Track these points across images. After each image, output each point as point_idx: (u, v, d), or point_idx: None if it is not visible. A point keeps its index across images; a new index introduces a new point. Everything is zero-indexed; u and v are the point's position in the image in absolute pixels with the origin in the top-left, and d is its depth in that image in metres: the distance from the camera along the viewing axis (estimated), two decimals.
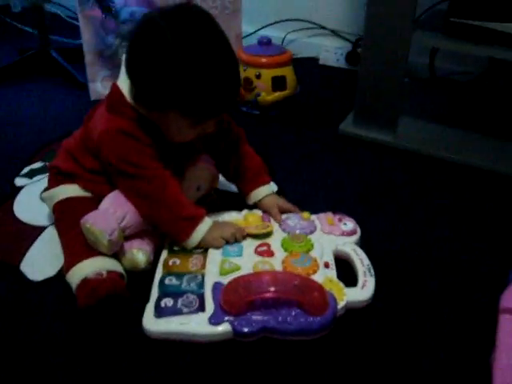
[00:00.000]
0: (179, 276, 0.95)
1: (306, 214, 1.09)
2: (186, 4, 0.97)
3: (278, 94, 1.63)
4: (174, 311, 0.88)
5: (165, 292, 0.92)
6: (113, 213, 0.97)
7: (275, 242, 1.03)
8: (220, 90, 0.93)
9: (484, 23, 1.36)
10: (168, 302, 0.89)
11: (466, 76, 1.90)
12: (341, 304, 0.90)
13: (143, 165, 0.98)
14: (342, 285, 0.93)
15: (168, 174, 1.00)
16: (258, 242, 1.03)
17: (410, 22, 1.38)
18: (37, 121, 1.66)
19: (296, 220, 1.08)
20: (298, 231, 1.05)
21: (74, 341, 0.90)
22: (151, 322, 0.87)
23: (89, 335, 0.91)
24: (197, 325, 0.86)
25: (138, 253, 0.98)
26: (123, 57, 1.00)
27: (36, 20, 1.98)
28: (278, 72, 1.62)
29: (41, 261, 1.07)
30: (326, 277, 0.94)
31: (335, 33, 2.16)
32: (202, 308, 0.88)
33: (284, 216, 1.10)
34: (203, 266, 0.97)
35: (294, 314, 0.86)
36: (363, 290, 0.94)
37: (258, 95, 1.62)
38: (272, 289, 0.86)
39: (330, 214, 1.10)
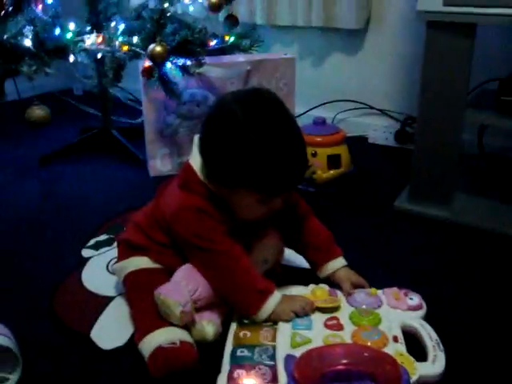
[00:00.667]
0: (250, 348, 0.96)
1: (373, 290, 1.10)
2: (257, 88, 1.04)
3: (333, 172, 1.68)
4: (247, 383, 0.88)
5: (237, 363, 0.92)
6: (185, 285, 1.00)
7: (343, 315, 1.04)
8: (287, 169, 0.97)
9: None
10: (241, 373, 0.90)
11: None
12: (413, 378, 0.88)
13: (216, 240, 1.01)
14: (412, 359, 0.92)
15: (239, 248, 1.03)
16: (326, 316, 1.04)
17: (463, 102, 1.43)
18: (100, 196, 1.74)
19: (362, 295, 1.09)
20: (364, 306, 1.06)
21: None
22: None
23: None
24: None
25: (208, 325, 1.00)
26: (195, 137, 1.07)
27: (99, 101, 2.12)
28: (333, 151, 1.68)
29: (110, 330, 1.10)
30: (396, 350, 0.93)
31: (383, 112, 2.23)
32: (275, 380, 0.89)
33: (352, 290, 1.11)
34: (274, 338, 0.98)
35: None
36: (434, 364, 0.92)
37: (314, 173, 1.68)
38: (345, 361, 0.86)
39: (395, 289, 1.10)
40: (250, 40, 1.99)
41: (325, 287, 1.12)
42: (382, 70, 2.19)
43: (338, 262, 1.15)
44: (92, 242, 1.44)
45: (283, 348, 0.95)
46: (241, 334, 1.00)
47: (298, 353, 0.92)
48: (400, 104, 2.18)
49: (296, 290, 1.11)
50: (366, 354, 0.88)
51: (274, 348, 0.96)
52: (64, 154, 2.05)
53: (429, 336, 0.98)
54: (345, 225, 1.53)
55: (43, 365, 1.01)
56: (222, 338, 1.01)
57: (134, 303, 1.08)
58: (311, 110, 2.30)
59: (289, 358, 0.92)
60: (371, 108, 2.25)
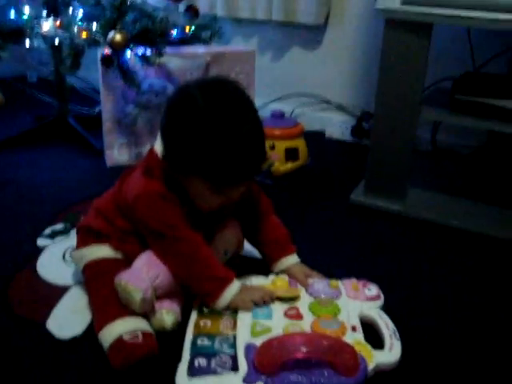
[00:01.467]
0: (211, 337, 0.97)
1: (333, 282, 1.12)
2: (221, 77, 1.04)
3: (290, 165, 1.71)
4: (208, 371, 0.89)
5: (197, 352, 0.94)
6: (146, 272, 1.00)
7: (303, 306, 1.06)
8: (242, 160, 0.95)
9: (485, 99, 1.45)
10: (202, 361, 0.91)
11: (465, 149, 1.99)
12: (371, 366, 0.91)
13: (177, 226, 1.02)
14: (370, 347, 0.95)
15: (200, 237, 1.04)
16: (286, 306, 1.06)
17: (419, 99, 1.47)
18: (55, 184, 1.71)
19: (322, 285, 1.11)
20: (323, 296, 1.09)
21: None
22: (185, 381, 0.88)
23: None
24: None
25: (168, 314, 1.00)
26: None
27: (55, 89, 2.07)
28: (291, 143, 1.71)
29: (67, 319, 1.08)
30: (354, 339, 0.96)
31: (340, 107, 2.26)
32: (235, 368, 0.90)
33: (310, 281, 1.13)
34: (234, 327, 0.99)
35: (326, 374, 0.88)
36: (391, 352, 0.95)
37: (272, 165, 1.69)
38: (305, 349, 0.88)
39: (354, 280, 1.13)
40: (211, 31, 1.99)
41: (285, 278, 1.14)
42: (340, 66, 2.22)
43: (292, 259, 1.18)
44: (48, 231, 1.42)
45: (243, 337, 0.97)
46: (201, 322, 1.01)
47: (258, 341, 0.94)
48: (357, 99, 2.22)
49: (256, 280, 1.13)
50: (325, 343, 0.90)
51: (235, 337, 0.97)
52: (18, 142, 2.01)
53: (386, 325, 1.02)
54: (301, 217, 1.55)
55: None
56: (182, 326, 1.02)
57: (94, 292, 1.07)
58: (270, 103, 2.32)
59: (249, 347, 0.94)
60: (329, 103, 2.28)
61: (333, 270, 1.27)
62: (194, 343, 0.96)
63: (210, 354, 0.93)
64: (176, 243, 1.02)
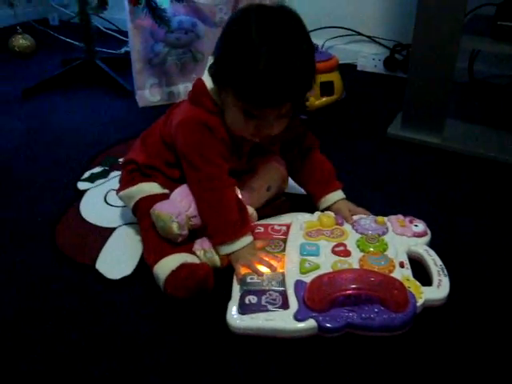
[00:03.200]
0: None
1: (379, 218, 1.11)
2: (281, 5, 1.00)
3: (325, 99, 1.68)
4: (259, 308, 0.90)
5: (247, 290, 0.95)
6: (179, 201, 1.02)
7: (351, 242, 1.06)
8: (273, 80, 0.90)
9: None
10: (252, 299, 0.92)
11: (504, 79, 1.93)
12: (420, 302, 0.91)
13: (211, 159, 1.01)
14: (418, 283, 0.95)
15: (231, 181, 1.04)
16: (334, 243, 1.06)
17: (459, 27, 1.41)
18: (89, 128, 1.71)
19: (368, 221, 1.11)
20: (370, 232, 1.08)
21: (158, 338, 0.93)
22: (236, 319, 0.90)
23: (172, 332, 0.94)
24: (282, 321, 0.88)
25: (207, 253, 1.02)
26: (209, 58, 1.04)
27: (81, 31, 2.04)
28: (325, 77, 1.67)
29: (115, 260, 1.10)
30: (402, 276, 0.96)
31: (372, 39, 2.20)
32: (285, 305, 0.91)
33: (356, 217, 1.13)
34: (283, 265, 1.00)
35: (376, 310, 0.88)
36: (439, 289, 0.95)
37: (306, 100, 1.66)
38: (355, 285, 0.89)
39: (400, 216, 1.12)
40: None
41: (331, 214, 1.13)
42: None
43: (337, 195, 1.17)
44: (87, 174, 1.43)
45: (292, 274, 0.98)
46: None
47: (307, 278, 0.95)
48: (389, 31, 2.15)
49: (303, 217, 1.13)
50: (374, 279, 0.91)
51: (283, 274, 0.98)
52: (48, 87, 1.99)
53: (433, 262, 1.01)
54: (338, 152, 1.53)
55: (51, 297, 1.02)
56: (229, 265, 1.03)
57: (147, 229, 1.07)
58: None
59: (298, 283, 0.94)
60: (360, 35, 2.21)
61: (371, 205, 1.27)
62: (243, 281, 0.97)
63: (259, 291, 0.94)
64: (204, 177, 1.02)
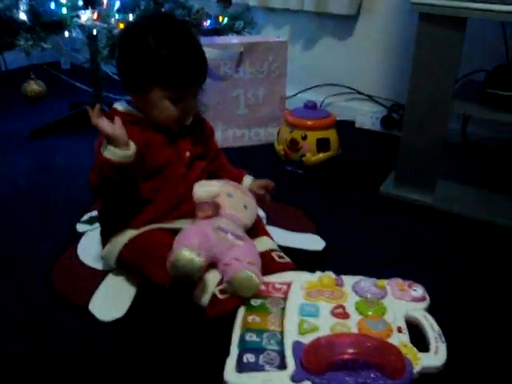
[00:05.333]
0: (259, 333, 0.99)
1: (380, 282, 1.11)
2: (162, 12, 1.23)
3: (322, 155, 1.73)
4: (257, 367, 0.91)
5: (245, 348, 0.95)
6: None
7: (350, 304, 1.06)
8: (184, 63, 1.13)
9: None
10: (250, 357, 0.93)
11: (496, 141, 1.99)
12: (416, 368, 0.91)
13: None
14: (415, 350, 0.94)
15: None
16: (333, 304, 1.06)
17: (451, 92, 1.48)
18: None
19: (368, 284, 1.11)
20: (369, 295, 1.08)
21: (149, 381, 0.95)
22: (233, 376, 0.90)
23: (161, 375, 0.96)
24: (279, 382, 0.88)
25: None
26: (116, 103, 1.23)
27: (90, 77, 2.12)
28: (322, 134, 1.73)
29: (108, 302, 1.13)
30: (400, 341, 0.96)
31: (371, 98, 2.28)
32: (283, 366, 0.91)
33: (357, 278, 1.14)
34: (281, 324, 1.01)
35: (373, 376, 0.88)
36: (436, 355, 0.95)
37: (303, 155, 1.72)
38: (353, 350, 0.89)
39: (400, 280, 1.13)
40: (244, 21, 2.02)
41: (331, 275, 1.14)
42: (371, 57, 2.23)
43: (248, 179, 1.36)
44: (86, 217, 1.47)
45: (291, 334, 0.98)
46: (249, 318, 1.03)
47: (305, 339, 0.95)
48: (387, 90, 2.23)
49: (304, 277, 1.14)
50: (372, 344, 0.91)
51: (282, 334, 0.98)
52: (55, 129, 2.06)
53: (431, 327, 1.01)
54: (331, 207, 1.58)
55: (44, 336, 1.05)
56: (230, 321, 1.04)
57: (148, 261, 1.12)
58: (300, 92, 2.34)
59: (297, 345, 0.94)
60: (359, 93, 2.29)
61: (362, 261, 1.31)
62: (242, 338, 0.98)
63: (258, 349, 0.95)
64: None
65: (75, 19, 1.72)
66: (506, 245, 1.41)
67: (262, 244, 1.22)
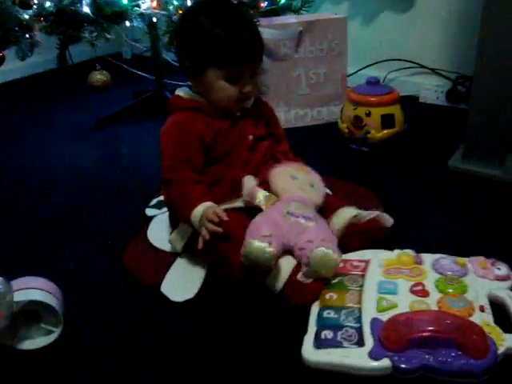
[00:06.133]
0: (337, 310, 0.99)
1: (460, 260, 1.09)
2: None
3: (387, 132, 1.70)
4: (335, 343, 0.91)
5: (323, 324, 0.96)
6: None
7: (429, 282, 1.04)
8: (238, 41, 1.13)
9: None
10: (328, 334, 0.93)
11: None
12: (501, 349, 0.88)
13: (178, 167, 1.18)
14: (499, 329, 0.91)
15: (199, 186, 1.16)
16: (412, 282, 1.04)
17: None
18: (156, 157, 1.79)
19: (449, 261, 1.09)
20: (449, 273, 1.05)
21: (222, 364, 0.97)
22: (311, 353, 0.91)
23: (238, 361, 0.98)
24: (357, 358, 0.88)
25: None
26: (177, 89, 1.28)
27: (152, 65, 2.16)
28: (386, 110, 1.69)
29: (179, 284, 1.16)
30: (482, 320, 0.92)
31: (434, 71, 2.21)
32: (361, 342, 0.91)
33: (437, 256, 1.11)
34: (359, 301, 1.00)
35: (453, 354, 0.86)
36: None
37: (368, 133, 1.69)
38: (433, 328, 0.87)
39: (482, 258, 1.09)
40: (301, 0, 2.00)
41: (410, 253, 1.12)
42: (433, 28, 2.15)
43: None
44: (154, 201, 1.50)
45: (369, 311, 0.97)
46: (327, 295, 1.03)
47: (384, 317, 0.94)
48: (451, 63, 2.15)
49: (382, 255, 1.13)
50: (453, 322, 0.89)
51: (360, 310, 0.98)
52: (120, 117, 2.11)
53: None
54: (399, 184, 1.55)
55: (117, 317, 1.09)
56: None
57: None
58: (362, 69, 2.29)
59: (375, 322, 0.94)
60: (422, 67, 2.22)
61: (433, 237, 1.28)
62: (320, 315, 0.99)
63: (336, 326, 0.95)
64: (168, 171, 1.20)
65: (135, 8, 1.74)
66: None
67: (343, 216, 1.18)
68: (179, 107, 1.22)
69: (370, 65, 2.29)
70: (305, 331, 0.96)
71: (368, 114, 1.68)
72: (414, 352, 0.87)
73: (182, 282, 1.17)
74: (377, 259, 1.12)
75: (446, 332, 0.87)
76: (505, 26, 1.39)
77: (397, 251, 1.14)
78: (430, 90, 2.19)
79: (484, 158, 1.54)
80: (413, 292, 1.02)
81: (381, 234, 1.18)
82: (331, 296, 1.03)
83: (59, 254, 1.30)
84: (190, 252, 1.23)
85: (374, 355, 0.88)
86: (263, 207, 1.12)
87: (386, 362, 0.87)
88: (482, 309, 0.95)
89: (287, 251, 1.08)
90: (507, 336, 0.90)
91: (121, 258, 1.27)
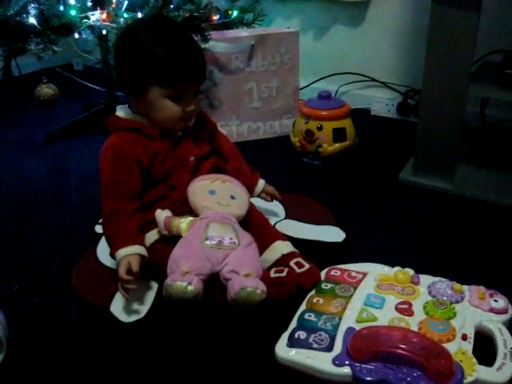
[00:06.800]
0: (318, 314, 1.02)
1: (457, 286, 1.07)
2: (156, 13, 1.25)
3: (338, 145, 1.71)
4: (305, 344, 0.94)
5: (302, 325, 0.99)
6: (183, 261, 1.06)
7: (419, 302, 1.04)
8: (180, 59, 1.12)
9: None
10: (302, 334, 0.96)
11: None
12: (469, 379, 0.87)
13: (112, 196, 1.17)
14: (474, 360, 0.90)
15: (130, 209, 1.15)
16: (400, 300, 1.05)
17: (467, 75, 1.45)
18: None
19: (444, 286, 1.08)
20: (443, 297, 1.05)
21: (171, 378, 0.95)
22: (282, 349, 0.95)
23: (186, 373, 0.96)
24: (321, 362, 0.91)
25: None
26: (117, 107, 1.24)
27: (103, 77, 2.12)
28: (338, 124, 1.71)
29: (129, 303, 1.13)
30: (460, 348, 0.92)
31: (385, 84, 2.24)
32: (330, 348, 0.93)
33: (436, 279, 1.11)
34: (343, 310, 1.02)
35: (415, 375, 0.86)
36: (498, 372, 0.88)
37: (320, 146, 1.70)
38: (400, 345, 0.88)
39: (482, 288, 1.07)
40: (253, 14, 2.00)
41: (409, 272, 1.12)
42: (384, 43, 2.19)
43: (261, 183, 1.38)
44: None
45: (348, 320, 0.99)
46: (314, 299, 1.06)
47: (360, 327, 0.96)
48: (402, 76, 2.19)
49: (380, 269, 1.14)
50: (420, 343, 0.89)
51: (340, 319, 1.00)
52: (71, 130, 2.06)
53: (504, 343, 0.94)
54: (350, 197, 1.56)
55: (64, 338, 1.05)
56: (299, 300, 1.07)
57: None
58: (314, 82, 2.31)
59: (349, 331, 0.96)
60: (373, 80, 2.26)
61: (382, 250, 1.29)
62: (301, 316, 1.02)
63: (312, 329, 0.97)
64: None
65: (85, 20, 1.71)
66: None
67: (276, 250, 1.17)
68: (117, 128, 1.19)
69: (322, 78, 2.31)
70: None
71: (320, 128, 1.69)
72: (376, 365, 0.88)
73: (131, 302, 1.14)
74: (374, 273, 1.13)
75: (410, 351, 0.87)
76: (450, 42, 1.42)
77: (397, 268, 1.14)
78: (382, 103, 2.22)
79: (434, 171, 1.57)
80: (397, 309, 1.02)
81: (306, 286, 1.11)
82: (318, 300, 1.05)
83: (2, 272, 1.26)
84: (141, 271, 1.20)
85: (337, 361, 0.90)
86: (183, 234, 1.11)
87: (346, 370, 0.89)
88: (464, 337, 0.95)
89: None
90: (480, 368, 0.89)
91: (69, 277, 1.23)
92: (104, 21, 1.71)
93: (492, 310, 1.01)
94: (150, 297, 1.15)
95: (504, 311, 1.01)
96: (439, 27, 1.42)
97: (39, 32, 1.64)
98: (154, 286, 1.18)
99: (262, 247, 1.16)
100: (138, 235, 1.14)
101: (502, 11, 1.80)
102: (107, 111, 2.07)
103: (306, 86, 2.27)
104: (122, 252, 1.10)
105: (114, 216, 1.14)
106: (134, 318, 1.09)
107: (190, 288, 1.00)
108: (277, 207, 1.47)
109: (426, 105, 1.53)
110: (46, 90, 1.88)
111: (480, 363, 0.89)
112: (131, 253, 1.10)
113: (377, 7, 2.16)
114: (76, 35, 1.75)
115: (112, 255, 1.14)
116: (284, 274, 1.09)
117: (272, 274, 1.09)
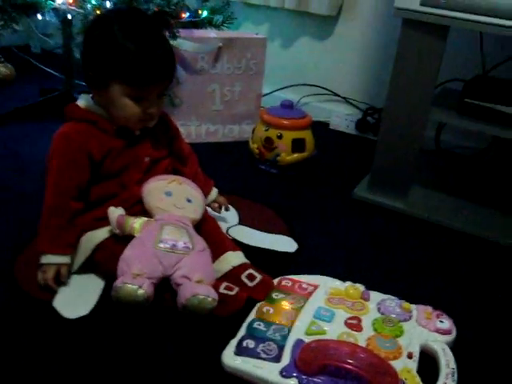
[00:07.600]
0: (268, 324, 1.02)
1: (406, 305, 1.09)
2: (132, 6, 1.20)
3: (297, 156, 1.71)
4: (253, 353, 0.94)
5: (250, 334, 0.99)
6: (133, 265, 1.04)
7: (368, 319, 1.05)
8: (149, 59, 1.07)
9: (494, 105, 1.46)
10: (250, 343, 0.96)
11: (469, 150, 2.01)
12: None
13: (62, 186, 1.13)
14: (418, 379, 0.91)
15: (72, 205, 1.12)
16: (350, 315, 1.06)
17: (429, 99, 1.48)
18: None
19: (393, 304, 1.09)
20: (392, 315, 1.06)
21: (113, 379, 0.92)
22: (229, 357, 0.93)
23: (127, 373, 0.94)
24: (268, 372, 0.90)
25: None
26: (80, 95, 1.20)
27: (63, 63, 2.06)
28: (298, 134, 1.71)
29: (74, 299, 1.10)
30: (405, 366, 0.93)
31: (347, 100, 2.27)
32: (278, 358, 0.93)
33: (385, 297, 1.12)
34: (293, 321, 1.02)
35: None
36: None
37: (278, 155, 1.71)
38: (348, 360, 0.88)
39: (429, 308, 1.09)
40: (223, 16, 1.99)
41: (360, 287, 1.13)
42: (349, 59, 2.22)
43: (215, 192, 1.38)
44: None
45: (298, 332, 1.00)
46: (264, 308, 1.06)
47: (308, 340, 0.96)
48: (363, 93, 2.23)
49: (331, 283, 1.15)
50: (367, 359, 0.89)
51: (289, 330, 1.00)
52: (24, 115, 1.99)
53: (446, 363, 0.96)
54: (304, 208, 1.57)
55: (3, 332, 1.01)
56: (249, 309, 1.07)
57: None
58: (277, 90, 2.32)
59: (298, 342, 0.96)
60: (335, 95, 2.28)
61: (333, 264, 1.30)
62: (250, 324, 1.01)
63: (260, 338, 0.97)
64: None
65: (50, 2, 1.66)
66: (473, 253, 1.42)
67: (227, 262, 1.16)
68: (74, 117, 1.15)
69: (285, 87, 2.32)
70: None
71: (279, 137, 1.69)
72: (324, 378, 0.89)
73: (76, 298, 1.10)
74: (325, 286, 1.13)
75: (357, 366, 0.88)
76: (416, 65, 1.45)
77: (348, 283, 1.15)
78: (341, 117, 2.24)
79: (388, 190, 1.59)
80: (346, 324, 1.03)
81: (260, 297, 1.11)
82: (268, 310, 1.06)
83: None
84: (87, 266, 1.16)
85: (284, 372, 0.90)
86: (136, 235, 1.08)
87: (293, 382, 0.89)
88: (409, 355, 0.96)
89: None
90: None
91: (11, 270, 1.18)
92: (70, 5, 1.66)
93: (437, 331, 1.04)
94: (96, 294, 1.11)
95: (449, 332, 1.04)
96: (407, 50, 1.44)
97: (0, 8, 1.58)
98: (100, 282, 1.15)
99: (213, 256, 1.13)
100: (73, 246, 1.13)
101: (463, 42, 1.84)
102: (64, 98, 2.03)
103: (268, 94, 2.26)
104: (53, 258, 1.10)
105: (58, 214, 1.11)
106: (77, 314, 1.05)
107: (140, 291, 0.98)
108: (230, 212, 1.45)
109: (387, 124, 1.56)
110: (2, 68, 1.81)
111: (423, 382, 0.92)
112: (63, 262, 1.10)
113: (345, 23, 2.19)
114: (39, 16, 1.69)
115: (39, 249, 1.12)
116: (233, 292, 1.06)
117: (221, 290, 1.06)
